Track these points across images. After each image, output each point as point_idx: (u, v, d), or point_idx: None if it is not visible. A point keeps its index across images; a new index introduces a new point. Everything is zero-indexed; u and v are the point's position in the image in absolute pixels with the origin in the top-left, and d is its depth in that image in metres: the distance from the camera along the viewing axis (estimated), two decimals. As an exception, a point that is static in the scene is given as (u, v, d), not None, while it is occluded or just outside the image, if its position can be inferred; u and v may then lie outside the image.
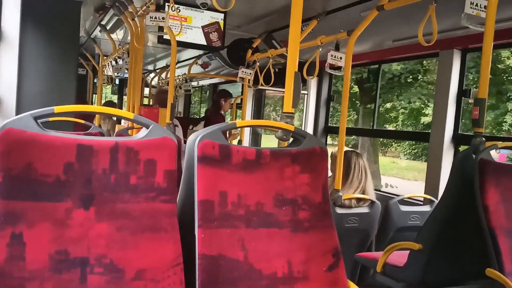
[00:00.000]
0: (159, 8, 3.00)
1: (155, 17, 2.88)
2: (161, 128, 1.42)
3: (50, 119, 2.07)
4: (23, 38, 2.70)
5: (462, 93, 3.17)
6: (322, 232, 1.54)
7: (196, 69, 5.99)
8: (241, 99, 5.33)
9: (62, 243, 1.24)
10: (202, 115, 9.02)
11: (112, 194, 1.32)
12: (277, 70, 4.03)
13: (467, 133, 3.21)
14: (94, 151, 1.32)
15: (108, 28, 4.50)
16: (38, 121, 1.28)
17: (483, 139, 1.87)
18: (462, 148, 3.24)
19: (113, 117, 5.93)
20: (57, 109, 1.31)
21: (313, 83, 4.64)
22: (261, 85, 4.03)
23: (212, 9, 3.34)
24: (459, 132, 3.18)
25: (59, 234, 1.25)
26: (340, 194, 2.73)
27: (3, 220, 1.20)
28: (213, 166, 1.43)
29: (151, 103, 7.56)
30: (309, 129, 4.66)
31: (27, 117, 1.26)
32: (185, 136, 4.97)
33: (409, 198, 2.99)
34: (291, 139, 1.66)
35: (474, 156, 1.85)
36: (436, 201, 2.82)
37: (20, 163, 1.24)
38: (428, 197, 2.95)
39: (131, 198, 1.34)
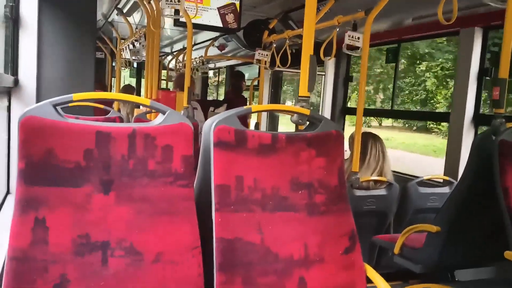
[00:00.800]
0: (175, -10, 2.98)
1: (171, 0, 2.87)
2: (177, 113, 1.43)
3: (70, 104, 2.10)
4: (41, 24, 2.72)
5: (484, 72, 3.09)
6: (338, 215, 1.55)
7: (213, 51, 5.98)
8: (258, 81, 5.32)
9: (83, 227, 1.28)
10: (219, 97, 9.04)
11: (130, 179, 1.35)
12: (294, 51, 3.99)
13: (488, 114, 3.15)
14: (113, 138, 1.34)
15: (125, 11, 4.51)
16: (57, 108, 1.31)
17: (504, 120, 1.84)
18: (482, 129, 3.19)
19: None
20: (76, 96, 1.34)
21: (330, 63, 4.58)
22: (278, 66, 4.00)
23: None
24: (480, 112, 3.12)
25: (81, 218, 1.28)
26: (358, 176, 2.73)
27: (26, 205, 1.24)
28: (229, 151, 1.44)
29: (169, 87, 7.60)
30: (327, 111, 4.62)
31: (46, 105, 1.29)
32: (206, 118, 5.00)
33: (428, 179, 2.97)
34: (307, 123, 1.65)
35: (494, 137, 1.82)
36: (456, 183, 2.79)
37: (41, 149, 1.27)
38: (448, 178, 2.92)
39: (149, 182, 1.37)
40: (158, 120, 1.43)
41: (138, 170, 1.36)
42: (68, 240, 1.26)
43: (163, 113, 1.42)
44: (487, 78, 3.10)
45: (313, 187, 1.54)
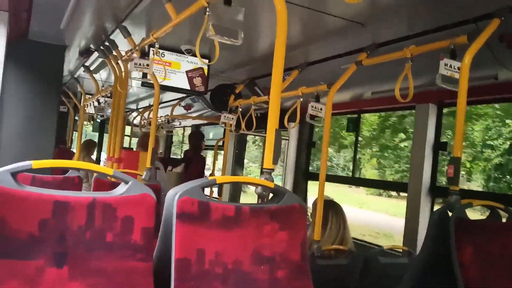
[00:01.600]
0: (144, 54, 3.04)
1: (140, 64, 2.91)
2: (139, 184, 1.41)
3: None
4: (5, 80, 2.69)
5: (439, 146, 3.24)
6: None
7: (179, 110, 6.03)
8: (223, 141, 5.37)
9: None
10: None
11: (86, 252, 1.29)
12: (259, 115, 4.08)
13: (444, 186, 3.27)
14: (71, 208, 1.30)
15: (92, 68, 4.53)
16: (15, 175, 1.27)
17: (459, 197, 1.91)
18: (439, 199, 3.29)
19: (91, 157, 5.88)
20: (35, 164, 1.30)
21: (294, 129, 4.70)
22: (243, 130, 4.07)
23: (196, 55, 3.41)
24: (436, 184, 3.24)
25: None
26: (320, 245, 2.72)
27: None
28: (192, 223, 1.42)
29: (133, 143, 7.53)
30: (290, 175, 4.68)
31: (4, 172, 1.25)
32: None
33: (388, 249, 2.99)
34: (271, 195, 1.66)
35: (450, 213, 1.88)
36: (414, 254, 2.83)
37: None
38: (406, 249, 2.96)
39: (106, 256, 1.31)
40: (120, 189, 1.40)
41: (95, 242, 1.31)
42: None
43: (126, 182, 1.40)
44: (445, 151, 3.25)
45: (275, 262, 1.52)
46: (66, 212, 1.29)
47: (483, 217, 2.12)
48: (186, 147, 8.17)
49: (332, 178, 6.84)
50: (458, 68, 2.12)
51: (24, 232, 1.24)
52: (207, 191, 5.39)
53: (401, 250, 3.11)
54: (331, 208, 2.91)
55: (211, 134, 8.01)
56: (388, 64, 2.57)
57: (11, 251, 1.22)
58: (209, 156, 6.83)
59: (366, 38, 2.70)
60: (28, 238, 1.24)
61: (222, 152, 4.97)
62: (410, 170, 3.45)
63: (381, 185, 6.90)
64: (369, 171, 15.21)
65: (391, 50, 2.49)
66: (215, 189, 5.74)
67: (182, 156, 6.51)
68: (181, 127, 8.28)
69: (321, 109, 2.93)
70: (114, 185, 1.71)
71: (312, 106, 2.93)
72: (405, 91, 2.36)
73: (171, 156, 8.75)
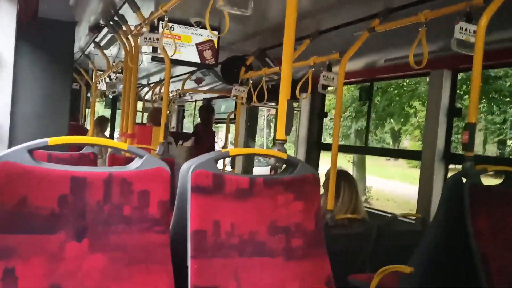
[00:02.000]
0: (154, 28, 3.02)
1: (149, 38, 2.90)
2: (154, 158, 1.43)
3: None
4: (17, 59, 2.70)
5: (454, 112, 3.20)
6: (315, 260, 1.55)
7: (190, 84, 6.01)
8: (235, 114, 5.36)
9: (56, 277, 1.24)
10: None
11: (105, 225, 1.33)
12: (270, 86, 4.05)
13: (458, 153, 3.24)
14: (88, 183, 1.32)
15: (102, 44, 4.52)
16: (32, 152, 1.29)
17: (473, 163, 1.90)
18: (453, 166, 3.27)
19: (105, 133, 5.94)
20: (51, 141, 1.32)
21: (305, 99, 4.66)
22: (254, 102, 4.05)
23: (206, 27, 3.38)
24: (450, 151, 3.21)
25: (53, 267, 1.25)
26: (333, 214, 2.74)
27: None
28: (207, 196, 1.44)
29: (145, 118, 7.57)
30: (301, 146, 4.67)
31: (21, 150, 1.27)
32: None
33: (402, 217, 3.00)
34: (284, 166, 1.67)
35: (464, 180, 1.87)
36: (428, 220, 2.84)
37: (15, 196, 1.24)
38: (420, 216, 2.97)
39: (125, 229, 1.34)
40: (135, 164, 1.42)
41: (113, 216, 1.34)
42: None
43: (141, 157, 1.42)
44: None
45: (290, 231, 1.54)
46: (83, 188, 1.32)
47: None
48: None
49: (344, 148, 6.82)
50: (474, 32, 2.06)
51: (44, 208, 1.27)
52: (220, 164, 5.42)
53: (414, 217, 3.12)
54: (343, 179, 2.91)
55: (223, 107, 8.00)
56: (401, 30, 2.52)
57: (33, 227, 1.26)
58: (221, 129, 6.83)
59: (379, 4, 2.64)
60: (49, 214, 1.28)
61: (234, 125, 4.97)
62: (423, 137, 3.42)
63: (395, 154, 6.85)
64: (410, 143, 14.54)
65: (404, 15, 2.43)
66: (228, 162, 5.77)
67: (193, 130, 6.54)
68: (193, 101, 8.28)
69: (333, 78, 2.90)
70: (128, 161, 1.74)
71: (324, 76, 2.90)
72: (419, 57, 2.32)
73: (183, 131, 8.79)
